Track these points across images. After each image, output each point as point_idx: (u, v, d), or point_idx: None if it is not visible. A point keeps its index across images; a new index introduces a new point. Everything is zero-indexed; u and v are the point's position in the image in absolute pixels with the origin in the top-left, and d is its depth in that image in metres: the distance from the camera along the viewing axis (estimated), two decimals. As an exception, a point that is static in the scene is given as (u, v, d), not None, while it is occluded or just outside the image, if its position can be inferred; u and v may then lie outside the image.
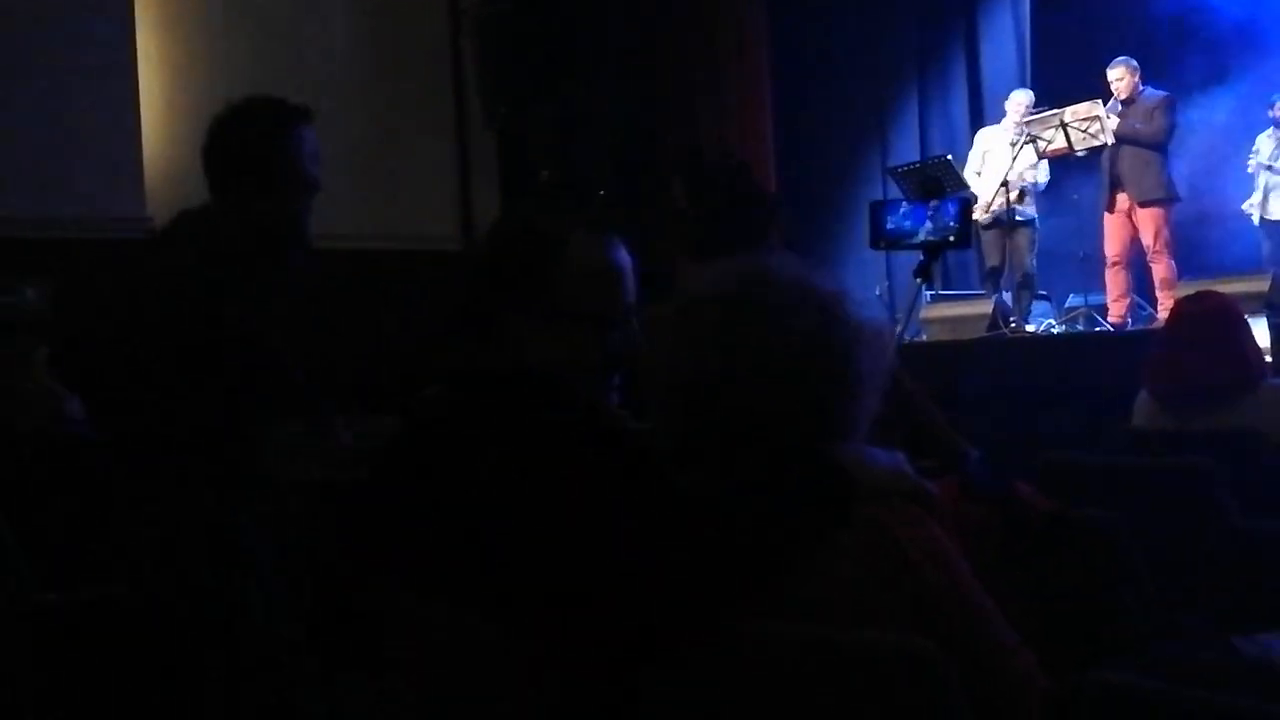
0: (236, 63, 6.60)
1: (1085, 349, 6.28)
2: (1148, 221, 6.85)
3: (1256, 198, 7.55)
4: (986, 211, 7.32)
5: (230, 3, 6.69)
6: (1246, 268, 6.99)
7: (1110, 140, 6.84)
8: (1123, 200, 6.91)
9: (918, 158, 7.90)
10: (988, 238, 7.47)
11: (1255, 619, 2.29)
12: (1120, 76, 6.86)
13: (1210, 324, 3.22)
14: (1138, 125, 6.79)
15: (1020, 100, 7.49)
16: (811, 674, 1.30)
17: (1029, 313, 7.09)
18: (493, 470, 1.42)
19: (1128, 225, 6.94)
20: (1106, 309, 7.06)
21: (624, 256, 1.63)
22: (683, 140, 7.95)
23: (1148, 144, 6.79)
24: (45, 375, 2.93)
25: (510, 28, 7.40)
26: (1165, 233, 6.85)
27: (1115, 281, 7.03)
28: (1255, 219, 7.59)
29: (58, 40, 6.05)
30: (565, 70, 7.54)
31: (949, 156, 7.44)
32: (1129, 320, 6.98)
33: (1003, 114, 7.56)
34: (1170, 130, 6.80)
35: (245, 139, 2.49)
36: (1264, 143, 7.35)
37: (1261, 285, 6.09)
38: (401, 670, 1.47)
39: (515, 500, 1.39)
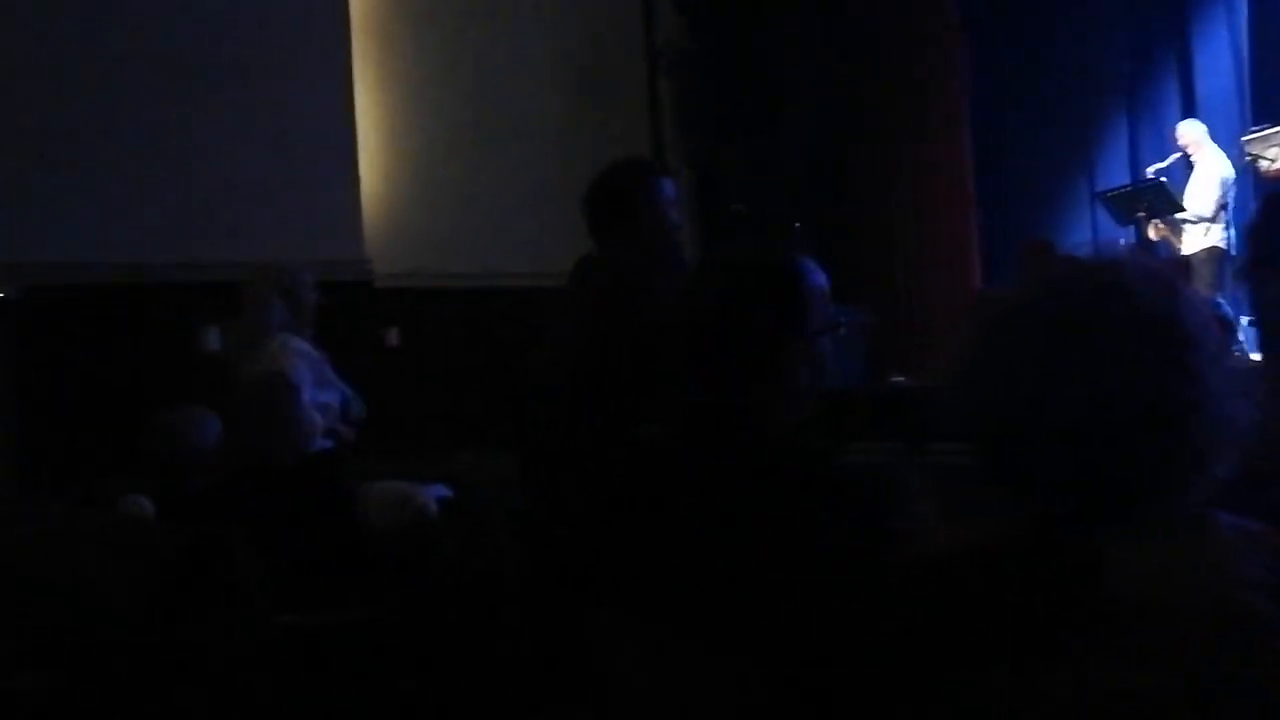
0: (447, 109, 6.89)
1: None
2: None
3: None
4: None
5: (441, 53, 6.99)
6: None
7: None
8: None
9: (1128, 181, 7.63)
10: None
11: None
12: None
13: None
14: None
15: (1183, 132, 7.21)
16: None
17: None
18: (717, 508, 1.45)
19: None
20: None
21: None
22: (878, 173, 7.88)
23: None
24: (300, 407, 3.11)
25: (706, 66, 7.50)
26: None
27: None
28: None
29: (281, 95, 6.43)
30: (760, 106, 7.59)
31: (1163, 180, 7.16)
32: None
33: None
34: None
35: (613, 194, 2.86)
36: None
37: None
38: (623, 698, 1.51)
39: (737, 538, 1.41)
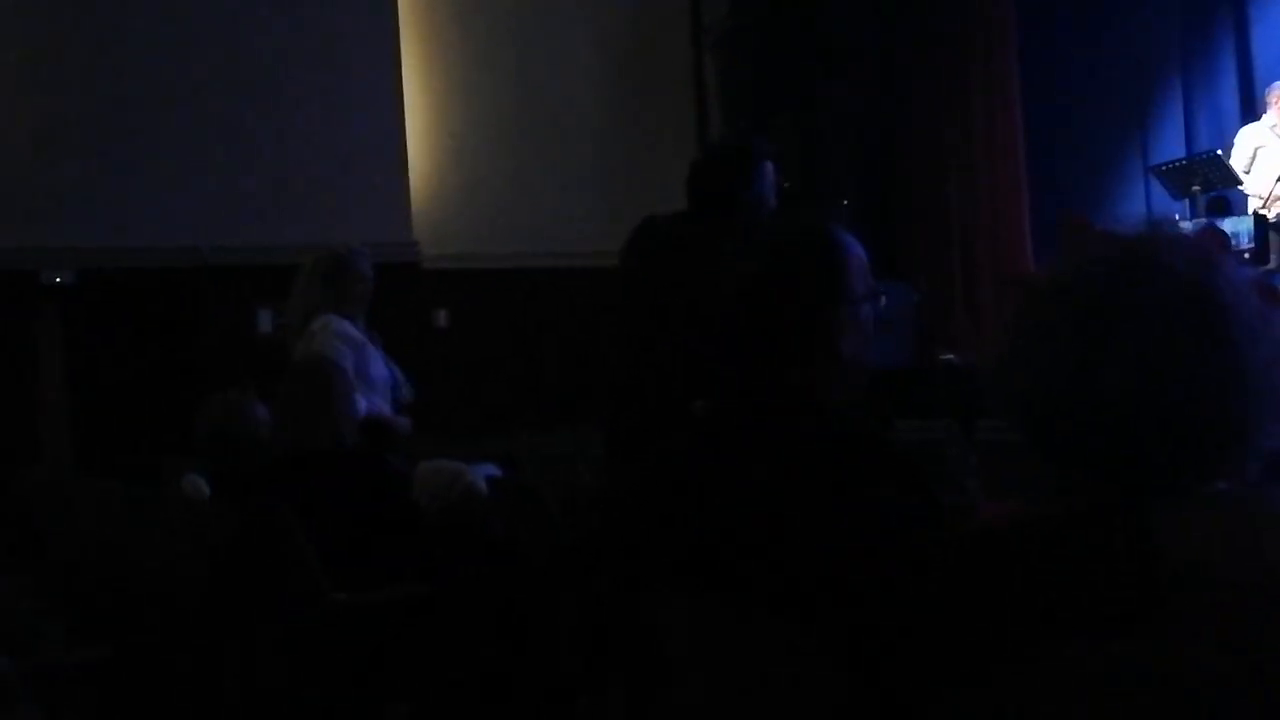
0: (492, 90, 6.92)
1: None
2: None
3: None
4: (1264, 208, 6.89)
5: (487, 38, 7.02)
6: None
7: None
8: None
9: (1183, 154, 7.50)
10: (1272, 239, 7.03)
11: None
12: None
13: None
14: None
15: None
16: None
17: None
18: (767, 484, 1.45)
19: None
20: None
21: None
22: (927, 149, 7.80)
23: None
24: (346, 388, 3.15)
25: (752, 43, 7.45)
26: None
27: None
28: None
29: (331, 81, 6.49)
30: (807, 83, 7.54)
31: (1219, 152, 7.03)
32: None
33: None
34: None
35: (725, 169, 2.98)
36: None
37: None
38: (680, 670, 1.52)
39: (787, 514, 1.42)
